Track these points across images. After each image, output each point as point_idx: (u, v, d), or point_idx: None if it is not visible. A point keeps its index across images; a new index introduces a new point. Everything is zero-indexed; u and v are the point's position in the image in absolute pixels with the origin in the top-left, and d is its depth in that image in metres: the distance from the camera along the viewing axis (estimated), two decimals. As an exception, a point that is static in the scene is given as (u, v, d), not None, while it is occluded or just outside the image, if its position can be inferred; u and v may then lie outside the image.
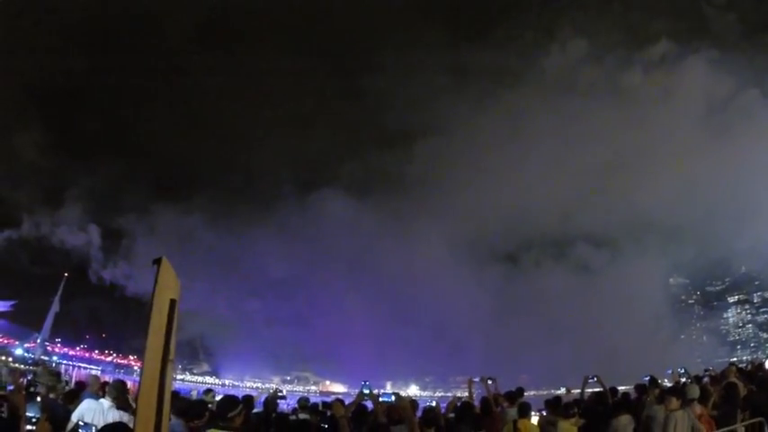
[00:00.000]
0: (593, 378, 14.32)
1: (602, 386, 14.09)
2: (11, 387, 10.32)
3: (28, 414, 6.93)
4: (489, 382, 13.47)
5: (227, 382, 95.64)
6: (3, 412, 6.26)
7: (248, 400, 12.34)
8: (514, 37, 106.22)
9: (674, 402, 11.61)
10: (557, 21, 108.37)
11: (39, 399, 7.50)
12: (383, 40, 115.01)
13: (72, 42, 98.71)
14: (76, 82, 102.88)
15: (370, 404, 11.84)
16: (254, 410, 11.99)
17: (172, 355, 3.79)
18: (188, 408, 9.01)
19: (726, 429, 11.98)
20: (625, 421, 11.70)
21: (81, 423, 7.93)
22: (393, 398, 11.12)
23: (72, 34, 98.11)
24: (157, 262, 3.64)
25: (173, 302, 3.74)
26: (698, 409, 12.00)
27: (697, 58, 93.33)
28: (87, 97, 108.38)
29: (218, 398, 11.06)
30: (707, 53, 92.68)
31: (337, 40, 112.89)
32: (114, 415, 8.51)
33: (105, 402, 8.67)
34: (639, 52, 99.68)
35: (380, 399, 11.54)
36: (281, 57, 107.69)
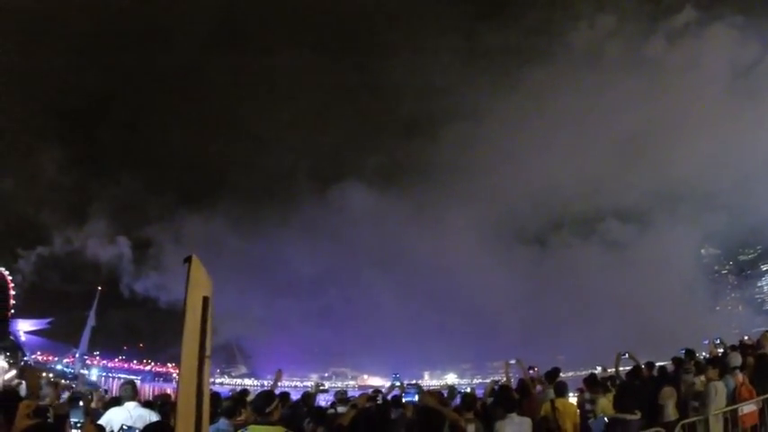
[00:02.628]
0: (625, 355, 14.33)
1: (636, 361, 14.07)
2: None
3: (72, 419, 7.13)
4: (531, 372, 13.45)
5: (265, 383, 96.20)
6: (49, 417, 6.50)
7: (285, 396, 12.47)
8: (530, 16, 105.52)
9: (712, 372, 11.60)
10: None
11: (81, 403, 7.70)
12: (398, 28, 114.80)
13: (86, 58, 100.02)
14: (93, 97, 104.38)
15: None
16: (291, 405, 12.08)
17: (208, 352, 3.87)
18: (234, 407, 9.14)
19: (763, 397, 11.89)
20: (668, 393, 11.69)
21: (125, 427, 8.12)
22: (417, 397, 11.05)
23: (85, 50, 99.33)
24: (188, 260, 3.72)
25: (205, 300, 3.81)
26: (740, 377, 11.96)
27: (721, 25, 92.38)
28: (104, 111, 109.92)
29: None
30: (731, 19, 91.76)
31: (350, 32, 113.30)
32: (142, 413, 8.70)
33: (129, 404, 8.88)
34: (664, 21, 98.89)
35: (404, 399, 11.44)
36: (295, 54, 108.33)
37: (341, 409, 11.10)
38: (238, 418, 8.78)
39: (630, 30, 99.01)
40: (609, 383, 12.10)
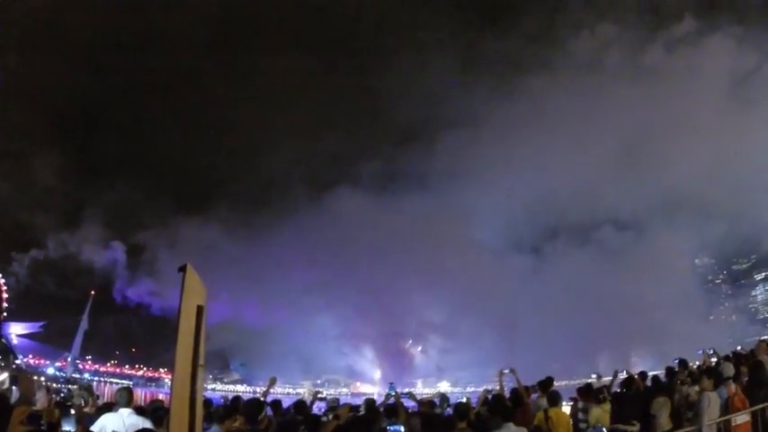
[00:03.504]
0: (622, 372, 14.54)
1: (629, 374, 14.18)
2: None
3: (64, 428, 7.07)
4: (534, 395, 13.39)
5: (258, 389, 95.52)
6: (43, 425, 6.47)
7: (276, 404, 12.41)
8: (530, 23, 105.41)
9: (707, 382, 11.60)
10: (578, 3, 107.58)
11: (73, 411, 7.66)
12: (396, 34, 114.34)
13: (82, 63, 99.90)
14: (89, 102, 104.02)
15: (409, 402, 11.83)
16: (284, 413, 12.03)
17: (202, 360, 3.85)
18: (227, 414, 9.11)
19: (756, 408, 11.90)
20: (661, 402, 11.71)
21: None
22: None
23: (82, 55, 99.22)
24: (183, 269, 3.69)
25: (200, 308, 3.79)
26: (733, 387, 11.96)
27: (720, 34, 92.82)
28: (100, 116, 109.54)
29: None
30: (730, 28, 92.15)
31: (347, 38, 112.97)
32: (137, 421, 8.59)
33: (124, 411, 8.76)
34: (663, 30, 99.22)
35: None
36: (290, 59, 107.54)
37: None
38: (231, 425, 8.75)
39: (630, 38, 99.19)
40: (601, 395, 12.11)
